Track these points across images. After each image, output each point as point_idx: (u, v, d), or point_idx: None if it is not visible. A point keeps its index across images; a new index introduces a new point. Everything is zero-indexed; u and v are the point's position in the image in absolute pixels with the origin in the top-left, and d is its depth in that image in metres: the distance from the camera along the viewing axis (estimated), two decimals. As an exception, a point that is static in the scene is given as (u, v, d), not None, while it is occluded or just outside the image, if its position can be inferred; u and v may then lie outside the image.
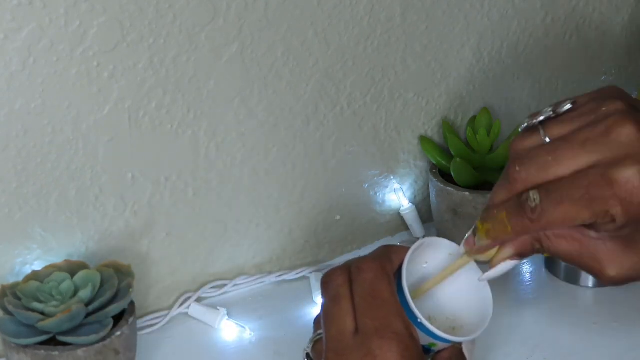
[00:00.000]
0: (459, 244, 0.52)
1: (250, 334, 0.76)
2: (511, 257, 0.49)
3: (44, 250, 0.70)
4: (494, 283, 0.53)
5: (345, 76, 0.79)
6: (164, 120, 0.71)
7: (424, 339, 0.52)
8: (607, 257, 0.45)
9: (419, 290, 0.54)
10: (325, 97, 0.79)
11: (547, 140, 0.46)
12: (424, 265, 0.56)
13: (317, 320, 0.57)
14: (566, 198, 0.43)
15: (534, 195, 0.44)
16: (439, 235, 0.88)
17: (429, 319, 0.52)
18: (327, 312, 0.52)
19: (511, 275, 0.83)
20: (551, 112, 0.47)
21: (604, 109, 0.45)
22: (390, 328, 0.49)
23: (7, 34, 0.61)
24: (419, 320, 0.51)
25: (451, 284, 0.55)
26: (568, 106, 0.46)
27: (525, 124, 0.48)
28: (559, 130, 0.46)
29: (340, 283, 0.52)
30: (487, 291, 0.53)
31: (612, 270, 0.45)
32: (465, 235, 0.51)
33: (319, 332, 0.54)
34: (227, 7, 0.69)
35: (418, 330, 0.51)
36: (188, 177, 0.75)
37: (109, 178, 0.70)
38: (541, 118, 0.47)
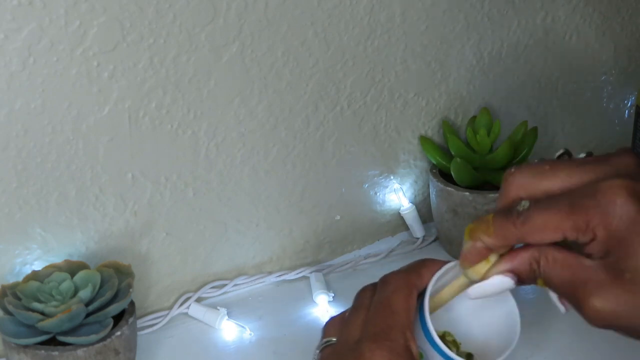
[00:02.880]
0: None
1: (250, 334, 0.76)
2: (505, 272, 0.48)
3: (44, 250, 0.70)
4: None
5: (345, 76, 0.79)
6: (164, 120, 0.71)
7: None
8: (595, 286, 0.44)
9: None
10: (325, 97, 0.79)
11: None
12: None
13: (325, 326, 0.57)
14: (552, 206, 0.44)
15: (525, 202, 0.45)
16: (439, 236, 0.88)
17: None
18: (346, 320, 0.54)
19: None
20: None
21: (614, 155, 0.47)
22: (388, 336, 0.49)
23: (7, 34, 0.61)
24: (435, 341, 0.50)
25: (480, 311, 0.55)
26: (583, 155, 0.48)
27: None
28: None
29: (366, 295, 0.54)
30: (516, 318, 0.53)
31: (597, 301, 0.44)
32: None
33: (325, 339, 0.55)
34: (227, 7, 0.69)
35: (436, 353, 0.51)
36: (188, 177, 0.75)
37: (109, 178, 0.70)
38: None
